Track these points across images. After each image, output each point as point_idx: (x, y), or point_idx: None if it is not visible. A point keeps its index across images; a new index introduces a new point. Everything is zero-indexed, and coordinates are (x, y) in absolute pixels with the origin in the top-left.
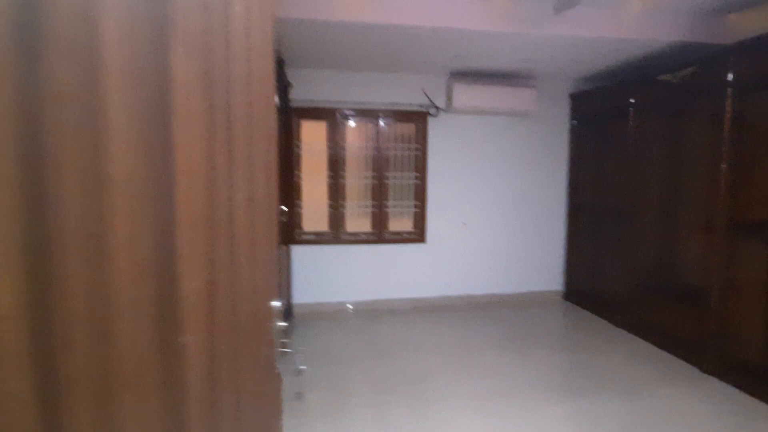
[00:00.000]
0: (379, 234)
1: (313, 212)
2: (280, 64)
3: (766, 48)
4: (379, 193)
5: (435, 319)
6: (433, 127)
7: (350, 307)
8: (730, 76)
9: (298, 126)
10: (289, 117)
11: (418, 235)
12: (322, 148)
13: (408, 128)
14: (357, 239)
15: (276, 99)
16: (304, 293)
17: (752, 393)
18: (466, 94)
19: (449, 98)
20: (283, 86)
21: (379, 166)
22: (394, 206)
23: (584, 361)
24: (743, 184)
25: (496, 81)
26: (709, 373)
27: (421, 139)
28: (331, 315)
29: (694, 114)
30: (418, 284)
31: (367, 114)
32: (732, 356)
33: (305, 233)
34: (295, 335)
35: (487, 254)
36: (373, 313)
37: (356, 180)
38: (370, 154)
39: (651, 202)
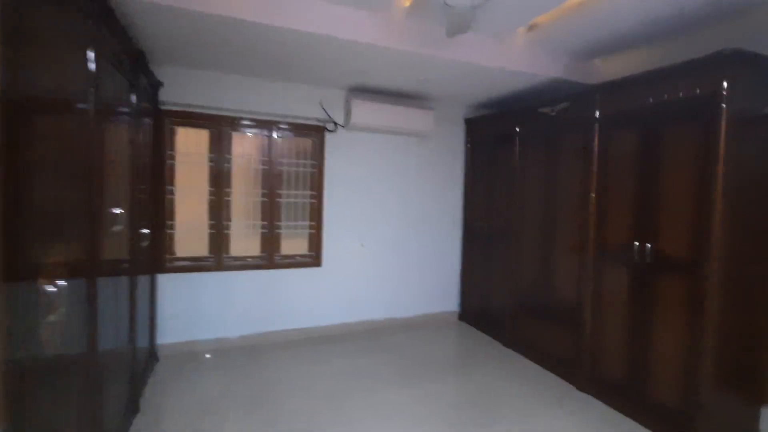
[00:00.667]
0: (270, 258)
1: (190, 234)
2: (137, 57)
3: (624, 90)
4: (270, 213)
5: (329, 351)
6: (331, 143)
7: (208, 356)
8: (597, 113)
9: (172, 133)
10: (159, 122)
11: (313, 258)
12: (203, 160)
13: (304, 143)
14: (243, 264)
15: (132, 97)
16: (173, 331)
17: (620, 410)
18: (365, 111)
19: (348, 114)
20: (147, 84)
21: (271, 182)
22: (287, 227)
23: (474, 387)
24: (607, 211)
25: (395, 100)
26: (584, 391)
27: (318, 155)
28: (208, 354)
29: (568, 145)
30: (313, 312)
31: (258, 125)
32: (602, 374)
33: (178, 259)
34: (157, 383)
35: (386, 277)
36: (261, 348)
37: (244, 198)
38: (261, 169)
39: (533, 226)
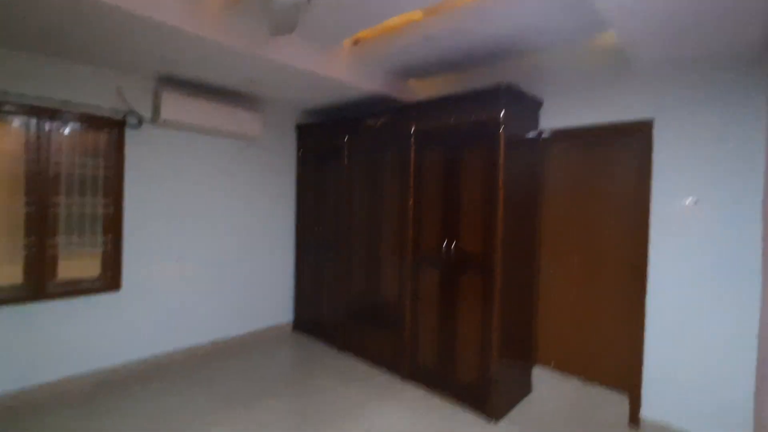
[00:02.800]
0: (38, 287)
1: None
2: None
3: (431, 110)
4: (40, 227)
5: (130, 396)
6: (135, 141)
7: None
8: (412, 129)
9: None
10: None
11: (108, 280)
12: None
13: (94, 139)
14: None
15: None
16: None
17: (436, 391)
18: (179, 106)
19: (156, 108)
20: None
21: (41, 186)
22: (69, 244)
23: (307, 397)
24: (422, 218)
25: (216, 98)
26: (407, 380)
27: (115, 154)
28: None
29: (390, 157)
30: (109, 349)
31: (24, 111)
32: (419, 364)
33: None
34: None
35: (210, 294)
36: (26, 409)
37: None
38: (25, 170)
39: (361, 235)
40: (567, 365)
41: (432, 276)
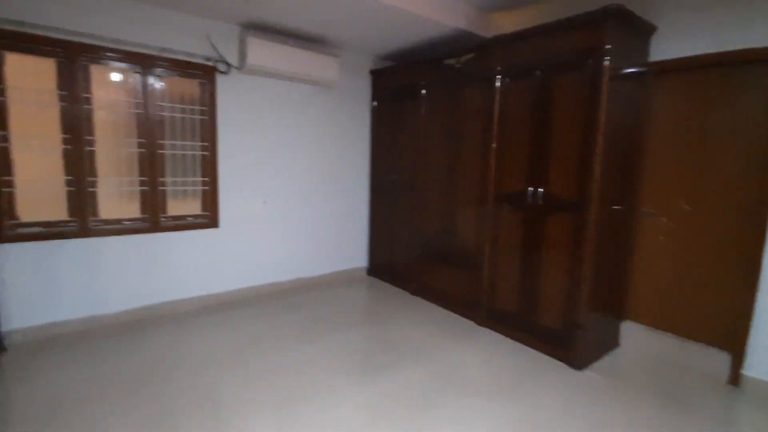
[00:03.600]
0: (154, 220)
1: (40, 193)
2: None
3: (522, 42)
4: (151, 168)
5: (230, 318)
6: (225, 87)
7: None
8: (498, 65)
9: (0, 61)
10: None
11: (208, 218)
12: (52, 99)
13: (191, 86)
14: (118, 229)
15: None
16: (25, 314)
17: (514, 337)
18: (262, 52)
19: (243, 54)
20: None
21: (149, 131)
22: (175, 184)
23: (385, 334)
24: (506, 160)
25: (298, 43)
26: (483, 326)
27: (209, 100)
28: (74, 339)
29: (472, 97)
30: (211, 278)
31: (128, 58)
32: (497, 309)
33: (24, 225)
34: (6, 382)
35: (292, 236)
36: (147, 323)
37: (114, 149)
38: (134, 114)
39: (438, 178)
40: (661, 321)
41: (515, 219)
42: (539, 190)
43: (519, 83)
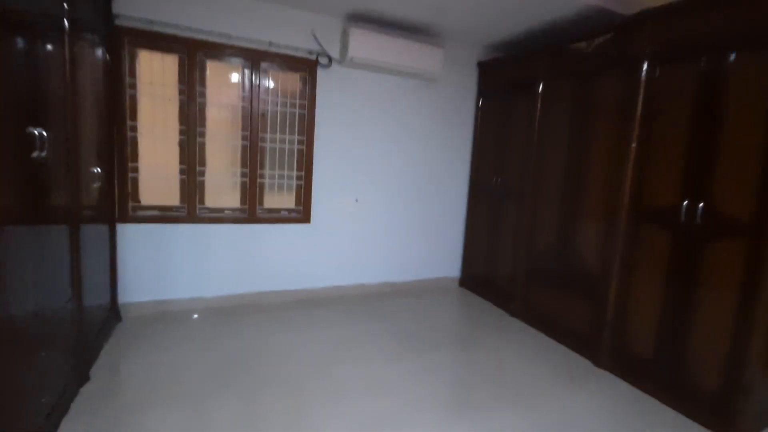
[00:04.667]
0: (251, 211)
1: (158, 180)
2: None
3: (684, 13)
4: (252, 160)
5: (318, 316)
6: (324, 80)
7: (195, 316)
8: (645, 46)
9: (132, 56)
10: (115, 41)
11: (301, 213)
12: (172, 92)
13: (292, 79)
14: (220, 217)
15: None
16: (140, 289)
17: (643, 389)
18: (365, 43)
19: (344, 46)
20: None
21: (253, 123)
22: (271, 177)
23: (481, 362)
24: (649, 165)
25: (400, 33)
26: (602, 368)
27: (309, 94)
28: (179, 317)
29: (606, 88)
30: (300, 273)
31: (239, 53)
32: (625, 349)
33: (144, 207)
34: (116, 347)
35: (382, 237)
36: (240, 311)
37: (222, 140)
38: (241, 107)
39: (552, 183)
40: None
41: (659, 240)
42: (698, 205)
43: (674, 68)
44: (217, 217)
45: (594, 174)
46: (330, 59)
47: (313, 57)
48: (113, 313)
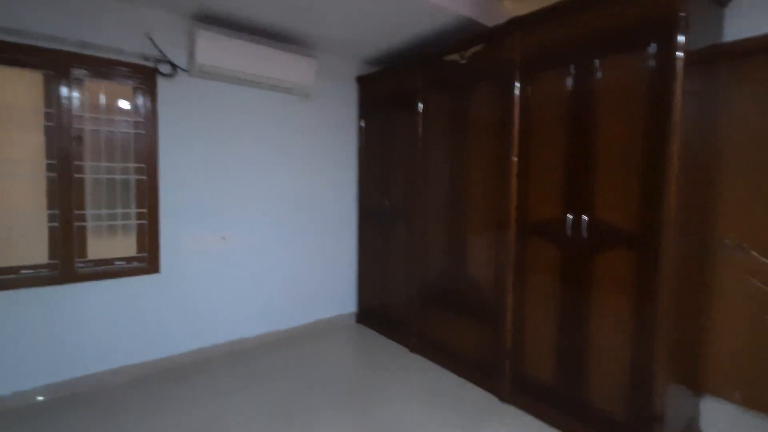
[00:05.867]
0: (67, 266)
1: None
2: None
3: (553, 20)
4: (64, 196)
5: (169, 396)
6: (169, 94)
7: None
8: (517, 54)
9: None
10: None
11: (146, 261)
12: None
13: (121, 91)
14: (13, 280)
15: None
16: None
17: (551, 422)
18: (216, 48)
19: (191, 51)
20: None
21: (65, 149)
22: (97, 218)
23: (376, 420)
24: (531, 178)
25: (261, 40)
26: (507, 401)
27: (148, 110)
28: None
29: (481, 100)
30: (148, 341)
31: (40, 57)
32: (527, 379)
33: None
34: None
35: (259, 279)
36: (51, 408)
37: (14, 173)
38: (44, 126)
39: (439, 202)
40: (758, 398)
41: (548, 255)
42: (582, 217)
43: (546, 78)
44: (9, 280)
45: (478, 191)
46: (175, 67)
47: (151, 64)
48: None
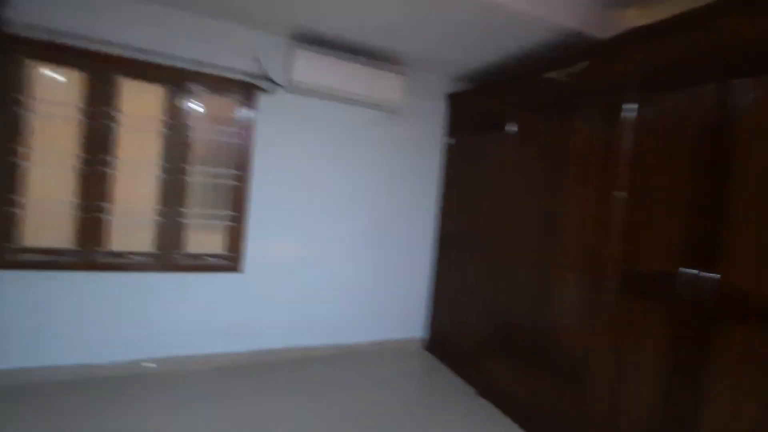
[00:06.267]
0: (167, 257)
1: (49, 216)
2: None
3: (685, 28)
4: (172, 195)
5: (238, 390)
6: (266, 108)
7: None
8: (635, 70)
9: (27, 70)
10: (5, 50)
11: (230, 260)
12: (78, 113)
13: (225, 105)
14: (126, 263)
15: None
16: (12, 355)
17: None
18: (311, 66)
19: (289, 69)
20: None
21: (175, 153)
22: (196, 216)
23: None
24: (641, 218)
25: (355, 58)
26: None
27: (247, 122)
28: (64, 388)
29: (585, 124)
30: (228, 334)
31: (162, 72)
32: None
33: (27, 250)
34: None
35: (331, 291)
36: (141, 381)
37: (135, 171)
38: (163, 133)
39: (525, 234)
40: None
41: (655, 313)
42: (707, 274)
43: (671, 98)
44: (122, 263)
45: (572, 227)
46: (274, 84)
47: (253, 80)
48: None
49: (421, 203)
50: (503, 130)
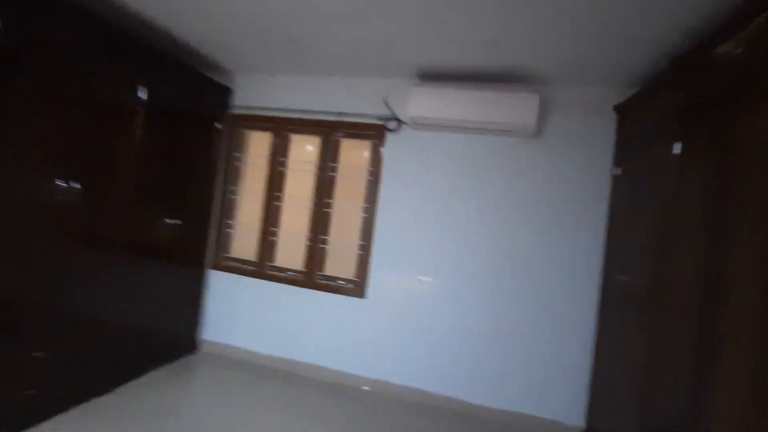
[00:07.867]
0: (309, 276)
1: (246, 236)
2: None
3: None
4: (316, 224)
5: (345, 409)
6: (392, 145)
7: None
8: None
9: (241, 136)
10: (229, 125)
11: (356, 285)
12: (264, 162)
13: (360, 145)
14: (284, 277)
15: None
16: (215, 330)
17: None
18: (425, 100)
19: (408, 107)
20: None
21: (321, 189)
22: (333, 243)
23: None
24: None
25: (475, 84)
26: None
27: (376, 160)
28: (237, 364)
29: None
30: (345, 354)
31: (315, 125)
32: None
33: (231, 259)
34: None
35: (454, 333)
36: (288, 377)
37: (296, 204)
38: (314, 173)
39: (683, 290)
40: None
41: None
42: None
43: None
44: (282, 276)
45: (754, 285)
46: (399, 122)
47: (382, 122)
48: (191, 343)
49: (578, 243)
50: (661, 144)
